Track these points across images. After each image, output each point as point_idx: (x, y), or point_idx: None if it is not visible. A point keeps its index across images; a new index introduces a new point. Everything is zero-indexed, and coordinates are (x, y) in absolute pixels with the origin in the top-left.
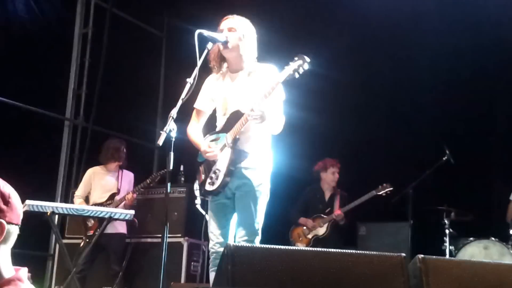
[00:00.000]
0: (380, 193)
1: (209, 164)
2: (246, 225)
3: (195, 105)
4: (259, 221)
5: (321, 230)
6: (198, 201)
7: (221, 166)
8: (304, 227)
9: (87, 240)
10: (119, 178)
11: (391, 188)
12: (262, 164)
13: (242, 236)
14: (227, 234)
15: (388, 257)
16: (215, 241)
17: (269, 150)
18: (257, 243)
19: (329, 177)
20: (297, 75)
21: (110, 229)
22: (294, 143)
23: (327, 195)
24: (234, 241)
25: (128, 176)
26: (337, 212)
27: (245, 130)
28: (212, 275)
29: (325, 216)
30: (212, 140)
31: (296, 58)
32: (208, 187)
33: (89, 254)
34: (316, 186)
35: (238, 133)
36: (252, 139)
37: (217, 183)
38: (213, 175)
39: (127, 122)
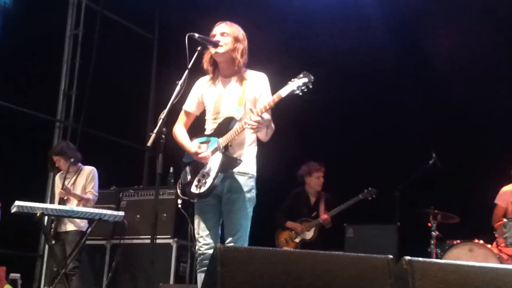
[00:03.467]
0: (366, 197)
1: (197, 166)
2: (233, 231)
3: (184, 107)
4: (247, 227)
5: (308, 234)
6: (180, 202)
7: (211, 170)
8: (292, 231)
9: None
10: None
11: (376, 193)
12: (251, 170)
13: (230, 241)
14: (215, 235)
15: (375, 259)
16: (202, 242)
17: (256, 157)
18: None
19: (314, 181)
20: (300, 93)
21: (70, 226)
22: (278, 146)
23: (312, 199)
24: (213, 242)
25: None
26: (324, 216)
27: (239, 137)
28: (199, 277)
29: (312, 220)
30: (202, 143)
31: (301, 75)
32: (195, 190)
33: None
34: (301, 190)
35: (232, 140)
36: (244, 146)
37: (205, 186)
38: (201, 178)
39: (117, 124)
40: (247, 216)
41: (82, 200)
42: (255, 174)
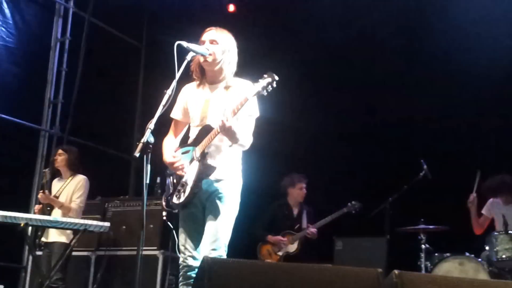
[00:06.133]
0: (350, 211)
1: (178, 177)
2: (213, 236)
3: (171, 115)
4: (227, 234)
5: (292, 247)
6: (164, 213)
7: (189, 179)
8: (275, 245)
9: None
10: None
11: (360, 207)
12: (233, 176)
13: (208, 247)
14: (197, 247)
15: (365, 272)
16: (186, 254)
17: (239, 164)
18: (223, 255)
19: (297, 193)
20: (265, 93)
21: (54, 238)
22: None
23: (295, 211)
24: (198, 253)
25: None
26: (313, 230)
27: (215, 144)
28: None
29: (295, 233)
30: (183, 153)
31: (265, 76)
32: (175, 200)
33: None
34: (283, 202)
35: (207, 147)
36: (221, 153)
37: (184, 196)
38: (180, 188)
39: (103, 132)
40: (227, 223)
41: (62, 208)
42: (238, 180)
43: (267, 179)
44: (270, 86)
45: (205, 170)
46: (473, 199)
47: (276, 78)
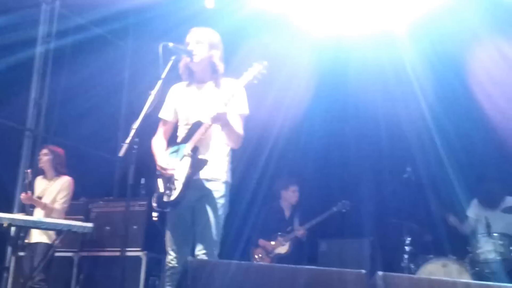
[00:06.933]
0: (340, 210)
1: (169, 176)
2: (205, 238)
3: (159, 115)
4: (218, 234)
5: (283, 249)
6: (155, 215)
7: (180, 175)
8: (265, 248)
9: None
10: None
11: (349, 205)
12: (222, 176)
13: (200, 248)
14: (185, 249)
15: (349, 274)
16: (173, 255)
17: (229, 163)
18: (215, 256)
19: (290, 195)
20: (255, 81)
21: (36, 238)
22: (253, 159)
23: (287, 213)
24: (192, 254)
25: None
26: (301, 231)
27: (205, 139)
28: None
29: (286, 235)
30: (173, 152)
31: (254, 64)
32: (166, 198)
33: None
34: (276, 205)
35: (198, 142)
36: (212, 149)
37: (175, 193)
38: (171, 186)
39: (88, 133)
40: (217, 223)
41: (45, 209)
42: (227, 180)
43: (260, 181)
44: (260, 74)
45: (196, 164)
46: (453, 220)
47: (265, 63)
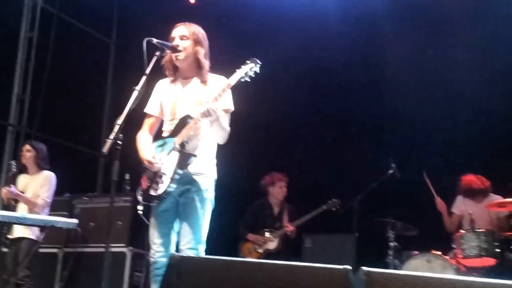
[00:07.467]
0: (330, 208)
1: (155, 169)
2: (190, 233)
3: (145, 110)
4: (204, 229)
5: (272, 244)
6: (140, 208)
7: (168, 170)
8: (254, 243)
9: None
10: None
11: (339, 203)
12: (208, 170)
13: (186, 243)
14: (169, 243)
15: (333, 270)
16: (156, 250)
17: (214, 158)
18: (201, 251)
19: (277, 192)
20: (248, 79)
21: (20, 234)
22: (240, 155)
23: (276, 209)
24: (177, 250)
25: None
26: (291, 228)
27: (194, 134)
28: (153, 286)
29: (275, 231)
30: (159, 146)
31: (247, 62)
32: (153, 192)
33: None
34: (264, 201)
35: (187, 137)
36: (200, 144)
37: (163, 187)
38: (158, 179)
39: (72, 129)
40: (203, 218)
41: (28, 204)
42: (213, 175)
43: (249, 177)
44: (252, 71)
45: (184, 158)
46: (440, 202)
47: (259, 62)
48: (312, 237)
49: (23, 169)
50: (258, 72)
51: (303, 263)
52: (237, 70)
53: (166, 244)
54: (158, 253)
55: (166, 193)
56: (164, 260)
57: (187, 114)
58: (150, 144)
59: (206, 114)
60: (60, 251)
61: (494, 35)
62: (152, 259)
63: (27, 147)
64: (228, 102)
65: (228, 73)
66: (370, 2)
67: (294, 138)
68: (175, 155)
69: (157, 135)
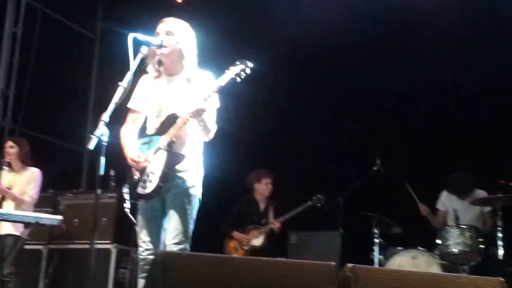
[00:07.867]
0: (315, 204)
1: (141, 168)
2: (176, 228)
3: (129, 105)
4: (190, 225)
5: (258, 241)
6: (127, 205)
7: (155, 169)
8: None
9: None
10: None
11: (324, 200)
12: (195, 166)
13: (171, 239)
14: (157, 240)
15: (319, 266)
16: (144, 247)
17: (201, 155)
18: (187, 247)
19: (263, 188)
20: (238, 80)
21: (8, 230)
22: (226, 151)
23: (262, 206)
24: (164, 245)
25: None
26: (276, 224)
27: (181, 133)
28: (140, 282)
29: (261, 227)
30: (145, 143)
31: (237, 63)
32: (141, 191)
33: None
34: (250, 197)
35: (175, 136)
36: (187, 143)
37: (151, 186)
38: (146, 178)
39: (56, 125)
40: (190, 214)
41: (15, 201)
42: (200, 171)
43: (234, 173)
44: (243, 73)
45: (173, 159)
46: (423, 208)
47: (250, 64)
48: (297, 234)
49: (5, 165)
50: (249, 73)
51: (289, 259)
52: (226, 70)
53: (155, 242)
54: (147, 251)
55: (154, 192)
56: (152, 257)
57: (174, 112)
58: (135, 140)
59: (195, 114)
60: (44, 248)
61: None
62: (141, 257)
63: (10, 143)
64: (215, 101)
65: (216, 70)
66: None
67: (279, 134)
68: (163, 154)
69: (141, 131)
